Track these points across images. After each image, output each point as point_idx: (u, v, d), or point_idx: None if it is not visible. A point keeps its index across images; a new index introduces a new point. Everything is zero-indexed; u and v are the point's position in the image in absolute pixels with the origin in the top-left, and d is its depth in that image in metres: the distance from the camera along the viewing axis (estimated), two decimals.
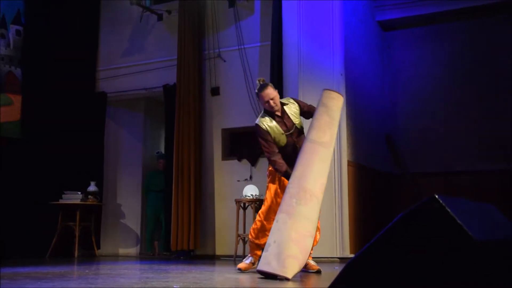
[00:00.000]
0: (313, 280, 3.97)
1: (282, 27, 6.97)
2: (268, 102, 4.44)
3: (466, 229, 1.52)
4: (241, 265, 4.64)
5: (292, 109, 4.60)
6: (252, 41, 7.64)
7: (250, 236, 4.65)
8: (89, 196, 7.67)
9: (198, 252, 7.54)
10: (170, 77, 8.03)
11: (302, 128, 4.65)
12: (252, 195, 6.77)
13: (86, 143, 8.16)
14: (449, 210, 1.56)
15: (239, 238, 6.75)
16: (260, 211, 4.62)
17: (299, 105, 4.66)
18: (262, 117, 4.54)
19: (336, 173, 6.35)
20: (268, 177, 4.69)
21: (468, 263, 1.54)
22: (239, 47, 7.64)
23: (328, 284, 1.79)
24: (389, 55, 8.81)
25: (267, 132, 4.44)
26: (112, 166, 8.77)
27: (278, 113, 4.52)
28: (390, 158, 8.50)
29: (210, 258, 7.26)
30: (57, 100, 7.88)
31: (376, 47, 8.55)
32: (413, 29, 8.65)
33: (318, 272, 4.42)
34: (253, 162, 7.42)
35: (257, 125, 4.51)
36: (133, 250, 8.65)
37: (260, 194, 6.68)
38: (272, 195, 4.57)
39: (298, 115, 4.63)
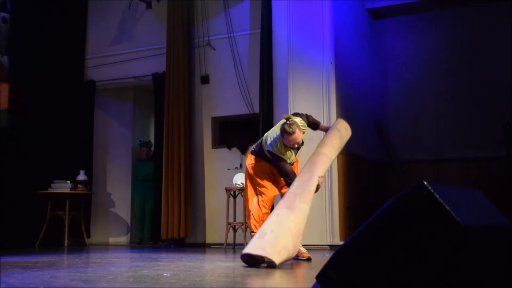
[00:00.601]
0: (303, 267, 3.99)
1: (271, 15, 6.95)
2: (293, 144, 4.38)
3: (455, 215, 1.53)
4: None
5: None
6: (241, 29, 7.61)
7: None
8: (79, 185, 7.64)
9: (188, 240, 7.56)
10: (160, 65, 7.98)
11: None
12: (242, 183, 6.77)
13: (75, 132, 8.11)
14: (437, 197, 1.57)
15: (229, 226, 6.76)
16: (262, 202, 4.62)
17: (305, 121, 4.65)
18: (278, 145, 4.46)
19: None
20: (251, 169, 4.69)
21: (456, 249, 1.55)
22: (229, 35, 7.61)
23: (318, 271, 1.79)
24: (379, 43, 8.81)
25: (283, 154, 4.46)
26: (101, 155, 8.73)
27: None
28: (379, 146, 8.53)
29: (201, 246, 7.27)
30: (45, 88, 7.81)
31: (366, 35, 8.54)
32: (403, 17, 8.65)
33: (309, 259, 4.45)
34: (243, 151, 7.42)
35: (272, 153, 4.48)
36: (123, 239, 8.64)
37: None
38: (268, 186, 4.63)
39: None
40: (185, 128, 7.55)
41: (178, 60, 7.65)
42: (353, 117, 7.40)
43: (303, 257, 4.49)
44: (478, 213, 1.75)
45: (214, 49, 7.76)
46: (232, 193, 6.88)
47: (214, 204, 7.53)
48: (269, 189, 4.65)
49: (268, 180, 4.66)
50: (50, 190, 7.44)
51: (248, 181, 4.78)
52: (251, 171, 4.72)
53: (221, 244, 6.94)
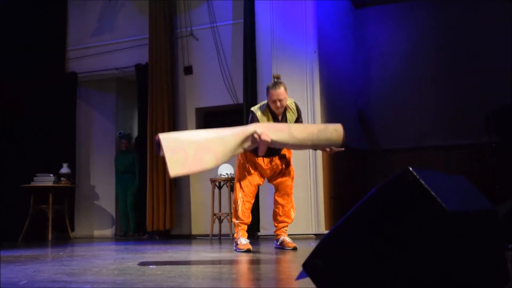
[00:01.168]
0: (289, 256, 4.00)
1: (254, 4, 6.92)
2: (275, 102, 4.33)
3: (440, 201, 1.54)
4: (246, 245, 4.48)
5: (291, 116, 4.51)
6: (224, 19, 7.57)
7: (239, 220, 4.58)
8: (62, 178, 7.57)
9: (174, 232, 7.54)
10: (142, 56, 7.91)
11: None
12: (227, 173, 6.77)
13: (57, 124, 8.03)
14: (423, 182, 1.57)
15: (214, 217, 6.75)
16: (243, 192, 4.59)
17: (297, 115, 4.56)
18: (261, 108, 4.44)
19: (310, 151, 6.38)
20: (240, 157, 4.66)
21: (442, 234, 1.56)
22: (211, 25, 7.56)
23: (304, 259, 1.79)
24: (362, 32, 8.83)
25: (258, 120, 4.37)
26: (84, 147, 8.66)
27: (279, 116, 4.44)
28: (363, 135, 8.57)
29: (186, 238, 7.26)
30: (26, 81, 7.70)
31: (349, 25, 8.55)
32: (385, 6, 8.67)
33: (294, 249, 4.46)
34: None
35: (251, 111, 4.46)
36: (108, 232, 8.60)
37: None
38: (246, 179, 4.58)
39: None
40: (169, 119, 7.50)
41: (161, 51, 7.59)
42: (336, 106, 7.43)
43: (289, 247, 4.50)
44: (463, 199, 1.76)
45: (197, 40, 7.71)
46: (217, 184, 6.87)
47: (199, 195, 7.51)
48: (251, 182, 4.57)
49: (253, 172, 4.60)
50: (32, 184, 7.36)
51: (237, 169, 4.70)
52: (241, 159, 4.66)
53: (207, 235, 6.93)
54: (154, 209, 7.29)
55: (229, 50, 7.51)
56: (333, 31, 7.69)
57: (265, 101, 4.48)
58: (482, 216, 1.80)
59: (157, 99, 7.50)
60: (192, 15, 7.74)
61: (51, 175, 7.43)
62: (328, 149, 4.37)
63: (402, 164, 7.89)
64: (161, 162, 7.36)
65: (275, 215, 4.67)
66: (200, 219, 7.44)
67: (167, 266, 3.22)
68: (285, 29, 6.67)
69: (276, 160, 4.57)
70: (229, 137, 3.84)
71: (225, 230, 6.89)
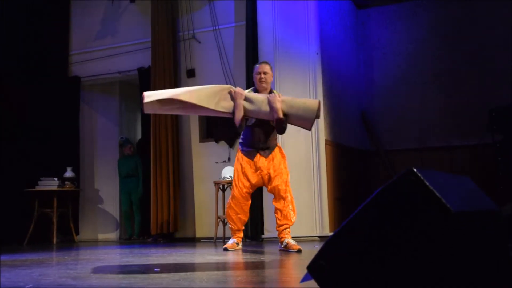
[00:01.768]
0: (293, 258, 4.00)
1: (256, 6, 6.92)
2: (259, 73, 4.62)
3: (444, 201, 1.53)
4: (227, 245, 4.81)
5: None
6: (226, 21, 7.57)
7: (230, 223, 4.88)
8: (66, 182, 7.59)
9: (178, 235, 7.54)
10: (145, 59, 7.93)
11: None
12: (230, 176, 6.76)
13: (61, 128, 8.05)
14: (426, 183, 1.57)
15: (218, 219, 6.75)
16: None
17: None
18: (249, 91, 4.71)
19: (314, 152, 6.38)
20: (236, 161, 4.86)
21: (446, 235, 1.56)
22: (214, 28, 7.57)
23: (309, 261, 1.79)
24: (364, 33, 8.83)
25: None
26: (88, 151, 8.67)
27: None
28: (366, 136, 8.57)
29: (190, 241, 7.26)
30: (29, 85, 7.73)
31: (351, 25, 8.55)
32: (387, 6, 8.67)
33: (299, 251, 4.46)
34: (231, 144, 7.40)
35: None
36: (113, 235, 8.61)
37: None
38: (236, 182, 4.78)
39: None
40: (172, 122, 7.51)
41: (163, 54, 7.61)
42: (339, 107, 7.44)
43: (293, 249, 4.51)
44: (467, 199, 1.76)
45: (200, 42, 7.72)
46: (220, 186, 6.87)
47: (203, 198, 7.51)
48: (240, 185, 4.74)
49: (242, 176, 4.73)
50: (37, 188, 7.38)
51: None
52: (236, 164, 4.85)
53: (211, 238, 6.93)
54: (158, 212, 7.29)
55: (231, 52, 7.52)
56: (336, 32, 7.69)
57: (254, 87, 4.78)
58: (486, 217, 1.79)
59: None
60: (195, 18, 7.75)
61: (55, 179, 7.44)
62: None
63: (406, 164, 7.89)
64: (165, 165, 7.37)
65: (276, 221, 4.76)
66: (204, 222, 7.44)
67: (172, 269, 3.22)
68: (287, 31, 6.67)
69: (262, 163, 4.66)
70: (207, 87, 4.45)
71: (229, 233, 6.85)
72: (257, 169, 4.71)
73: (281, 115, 4.37)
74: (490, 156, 7.16)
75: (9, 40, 7.67)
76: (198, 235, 7.48)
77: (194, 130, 7.69)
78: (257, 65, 4.78)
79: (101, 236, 8.56)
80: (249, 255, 4.42)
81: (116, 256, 4.79)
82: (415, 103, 8.34)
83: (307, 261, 1.78)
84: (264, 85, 4.62)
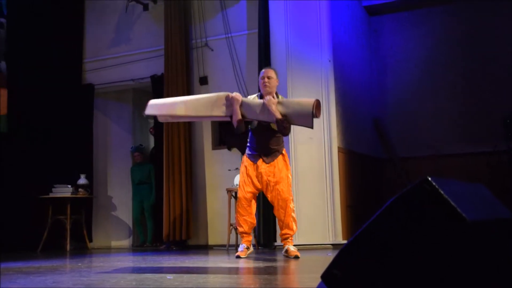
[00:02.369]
0: (307, 267, 3.99)
1: (268, 14, 6.94)
2: (263, 78, 4.68)
3: (460, 210, 1.52)
4: (239, 253, 4.82)
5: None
6: (239, 29, 7.60)
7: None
8: (80, 189, 7.63)
9: (190, 242, 7.54)
10: (158, 67, 7.97)
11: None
12: None
13: (74, 136, 8.10)
14: (441, 192, 1.56)
15: (231, 227, 6.75)
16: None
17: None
18: (254, 97, 4.84)
19: (326, 160, 6.36)
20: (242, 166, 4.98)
21: (461, 244, 1.54)
22: (226, 35, 7.59)
23: (323, 270, 1.79)
24: (376, 40, 8.81)
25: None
26: (101, 158, 8.72)
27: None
28: (379, 143, 8.53)
29: (203, 248, 7.26)
30: (44, 93, 7.80)
31: (363, 32, 8.53)
32: (400, 13, 8.64)
33: (296, 257, 4.57)
34: (243, 151, 7.38)
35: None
36: (126, 242, 8.63)
37: None
38: (241, 184, 4.88)
39: None
40: (185, 130, 7.54)
41: (176, 61, 7.64)
42: (352, 115, 7.42)
43: (291, 255, 4.63)
44: (482, 208, 1.75)
45: (212, 50, 7.75)
46: (233, 194, 6.86)
47: (215, 205, 7.52)
48: (245, 189, 4.83)
49: (247, 180, 4.82)
50: (51, 195, 7.42)
51: None
52: (241, 166, 5.00)
53: (224, 246, 6.93)
54: (170, 220, 7.31)
55: (244, 60, 7.54)
56: (348, 39, 7.68)
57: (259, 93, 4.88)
58: (502, 225, 1.78)
59: None
60: (207, 26, 7.78)
61: (69, 186, 7.49)
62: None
63: (419, 172, 7.85)
64: (177, 173, 7.38)
65: (279, 229, 4.88)
66: (217, 229, 7.44)
67: (185, 276, 3.23)
68: (300, 39, 6.67)
69: (263, 168, 4.74)
70: (204, 96, 4.70)
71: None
72: (258, 173, 4.75)
73: (278, 116, 4.42)
74: (505, 163, 7.10)
75: (24, 47, 7.75)
76: (210, 242, 7.48)
77: (206, 137, 7.71)
78: (262, 70, 4.87)
79: (114, 243, 8.58)
80: (262, 262, 4.41)
81: (129, 263, 4.81)
82: (428, 110, 8.30)
83: (321, 270, 1.77)
84: (267, 89, 4.66)
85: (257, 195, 4.96)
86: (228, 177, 7.23)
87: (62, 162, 7.82)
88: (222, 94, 4.59)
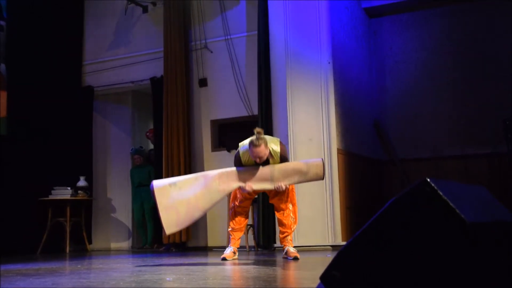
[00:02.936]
0: (306, 268, 3.98)
1: (268, 16, 6.94)
2: (255, 158, 4.54)
3: (459, 212, 1.52)
4: (225, 254, 4.85)
5: (273, 162, 4.66)
6: (238, 31, 7.60)
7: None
8: (79, 191, 7.63)
9: (190, 244, 7.54)
10: (157, 69, 7.97)
11: None
12: None
13: (74, 138, 8.10)
14: (441, 194, 1.55)
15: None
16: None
17: (280, 157, 4.67)
18: (246, 152, 4.62)
19: (326, 162, 6.36)
20: None
21: (461, 246, 1.54)
22: (226, 37, 7.60)
23: (321, 271, 1.78)
24: (376, 41, 8.81)
25: (240, 162, 4.69)
26: (101, 160, 8.72)
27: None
28: (379, 145, 8.53)
29: (202, 250, 7.25)
30: (43, 95, 7.79)
31: (363, 34, 8.54)
32: (399, 15, 8.65)
33: (295, 258, 4.59)
34: None
35: (238, 151, 4.74)
36: (125, 244, 8.63)
37: None
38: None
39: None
40: (184, 132, 7.53)
41: (176, 63, 7.64)
42: (351, 116, 7.42)
43: (290, 256, 4.66)
44: (482, 210, 1.74)
45: (212, 52, 7.75)
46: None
47: (215, 207, 7.48)
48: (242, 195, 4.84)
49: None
50: (50, 197, 7.42)
51: None
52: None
53: (223, 247, 6.90)
54: None
55: (243, 62, 7.54)
56: (348, 41, 7.69)
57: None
58: (502, 227, 1.77)
59: (173, 111, 7.54)
60: (207, 28, 7.79)
61: (69, 188, 7.49)
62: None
63: (419, 173, 7.85)
64: (177, 174, 7.36)
65: (279, 229, 4.93)
66: (216, 231, 7.43)
67: (184, 278, 3.22)
68: (299, 40, 6.68)
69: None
70: (215, 193, 4.43)
71: (241, 242, 6.86)
72: None
73: (288, 187, 4.64)
74: (505, 165, 7.10)
75: (23, 50, 7.75)
76: (210, 244, 7.47)
77: (206, 139, 7.71)
78: (251, 149, 4.48)
79: (113, 245, 8.58)
80: (262, 264, 4.40)
81: (129, 265, 4.80)
82: (428, 112, 8.29)
83: (319, 271, 1.77)
84: (260, 161, 4.59)
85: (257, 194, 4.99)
86: None
87: (62, 164, 7.82)
88: (233, 186, 4.58)
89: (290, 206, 4.75)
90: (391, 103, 8.58)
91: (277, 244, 6.51)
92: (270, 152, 4.57)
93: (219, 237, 7.36)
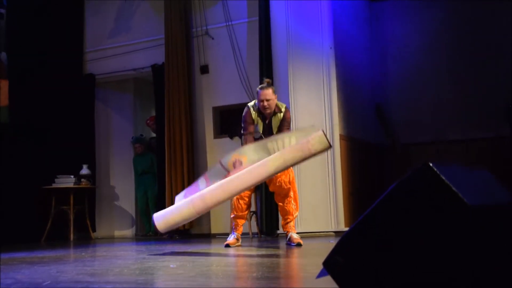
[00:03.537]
0: (309, 254, 3.99)
1: (269, 2, 6.90)
2: (262, 101, 4.62)
3: (461, 196, 1.52)
4: (229, 241, 4.86)
5: (276, 122, 4.75)
6: (239, 17, 7.56)
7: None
8: (82, 179, 7.65)
9: (193, 231, 7.57)
10: (158, 56, 7.95)
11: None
12: None
13: (76, 126, 8.11)
14: (443, 177, 1.55)
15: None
16: None
17: (283, 117, 4.74)
18: (255, 106, 4.76)
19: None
20: None
21: (463, 229, 1.54)
22: (227, 23, 7.56)
23: (324, 257, 1.79)
24: (378, 26, 8.76)
25: (251, 115, 4.73)
26: (103, 148, 8.73)
27: (266, 117, 4.74)
28: (381, 130, 8.51)
29: (206, 237, 7.28)
30: (45, 83, 7.78)
31: (365, 19, 8.49)
32: (401, 0, 8.59)
33: (298, 245, 4.58)
34: None
35: (247, 106, 4.80)
36: (129, 232, 8.66)
37: None
38: None
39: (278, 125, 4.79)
40: (186, 119, 7.53)
41: (177, 50, 7.62)
42: (353, 101, 7.40)
43: (294, 242, 4.65)
44: (484, 192, 1.74)
45: (213, 38, 7.71)
46: None
47: None
48: None
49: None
50: (54, 185, 7.45)
51: None
52: None
53: (227, 234, 6.91)
54: None
55: (244, 48, 7.51)
56: (349, 26, 7.64)
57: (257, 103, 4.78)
58: (505, 210, 1.77)
59: (174, 98, 7.53)
60: (208, 14, 7.75)
61: (72, 176, 7.50)
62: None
63: (421, 158, 7.84)
64: (179, 162, 7.39)
65: (280, 215, 4.96)
66: (220, 218, 7.45)
67: (188, 265, 3.23)
68: (301, 26, 6.64)
69: None
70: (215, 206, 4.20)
71: (244, 228, 6.87)
72: None
73: None
74: (507, 148, 7.09)
75: (23, 39, 7.73)
76: (213, 231, 7.50)
77: (208, 126, 7.70)
78: (260, 91, 4.66)
79: (117, 233, 8.62)
80: (264, 250, 4.42)
81: (133, 253, 4.82)
82: (430, 96, 8.27)
83: (322, 257, 1.77)
84: (268, 111, 4.69)
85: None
86: None
87: (64, 153, 7.83)
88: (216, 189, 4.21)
89: (292, 193, 4.76)
90: (393, 87, 8.55)
91: (280, 230, 6.53)
92: (277, 105, 4.69)
93: (222, 224, 7.39)
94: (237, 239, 4.91)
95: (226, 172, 4.18)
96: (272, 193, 5.08)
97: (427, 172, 1.59)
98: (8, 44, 7.62)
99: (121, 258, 4.03)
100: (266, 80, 4.83)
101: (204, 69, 7.72)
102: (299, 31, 6.63)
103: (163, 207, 7.53)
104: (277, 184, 4.73)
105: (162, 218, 4.22)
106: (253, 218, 6.84)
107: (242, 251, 4.43)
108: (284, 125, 4.74)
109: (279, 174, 4.69)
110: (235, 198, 4.87)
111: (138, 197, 8.45)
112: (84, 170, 7.75)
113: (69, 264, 3.65)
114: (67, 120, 7.96)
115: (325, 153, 6.31)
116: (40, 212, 7.40)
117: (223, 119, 7.74)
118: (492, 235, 1.59)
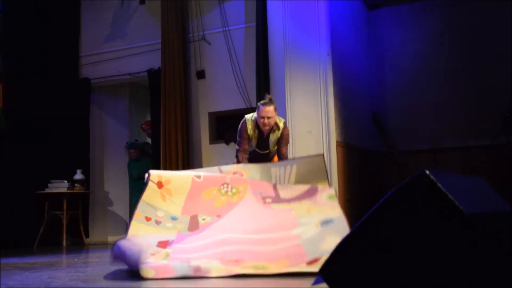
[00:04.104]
0: None
1: (266, 7, 6.90)
2: (263, 118, 4.59)
3: (457, 204, 1.50)
4: None
5: (274, 136, 4.75)
6: (236, 22, 7.55)
7: None
8: (76, 184, 7.60)
9: None
10: (155, 61, 7.92)
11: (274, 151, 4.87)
12: None
13: (71, 130, 8.07)
14: (439, 185, 1.53)
15: None
16: None
17: (282, 135, 4.76)
18: (252, 119, 4.72)
19: (325, 154, 6.32)
20: None
21: (460, 237, 1.52)
22: (224, 29, 7.55)
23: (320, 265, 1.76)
24: (375, 33, 8.76)
25: (246, 131, 4.70)
26: (98, 153, 8.69)
27: (264, 133, 4.72)
28: (378, 137, 8.50)
29: None
30: (40, 87, 7.76)
31: (362, 26, 8.49)
32: (398, 6, 8.60)
33: None
34: None
35: (244, 118, 4.77)
36: (122, 237, 8.60)
37: None
38: None
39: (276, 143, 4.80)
40: (182, 124, 7.50)
41: (173, 55, 7.60)
42: (351, 109, 7.38)
43: None
44: (480, 201, 1.72)
45: (209, 44, 7.70)
46: None
47: None
48: None
49: None
50: (47, 190, 7.40)
51: None
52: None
53: None
54: None
55: (241, 53, 7.50)
56: (347, 33, 7.64)
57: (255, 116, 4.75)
58: (501, 218, 1.76)
59: (170, 103, 7.50)
60: (204, 19, 7.73)
61: (65, 181, 7.46)
62: None
63: (419, 165, 7.81)
64: (175, 167, 7.35)
65: None
66: None
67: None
68: (298, 32, 6.63)
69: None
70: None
71: None
72: None
73: None
74: (505, 157, 7.08)
75: (19, 42, 7.71)
76: None
77: (204, 131, 7.68)
78: (261, 107, 4.60)
79: (110, 238, 8.55)
80: None
81: None
82: (428, 104, 8.27)
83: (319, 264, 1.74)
84: (267, 127, 4.67)
85: None
86: None
87: (58, 157, 7.79)
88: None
89: None
90: (391, 95, 8.55)
91: None
92: (276, 123, 4.67)
93: None
94: None
95: (223, 175, 4.18)
96: None
97: (424, 180, 1.58)
98: (3, 47, 7.59)
99: (114, 264, 3.99)
100: (268, 96, 4.77)
101: (201, 74, 7.70)
102: (296, 37, 6.62)
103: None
104: None
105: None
106: None
107: None
108: (282, 143, 4.77)
109: None
110: None
111: (133, 202, 8.40)
112: (78, 175, 7.71)
113: (61, 270, 3.61)
114: (61, 124, 7.93)
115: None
116: (33, 217, 7.34)
117: (219, 124, 7.72)
118: (488, 242, 1.57)
